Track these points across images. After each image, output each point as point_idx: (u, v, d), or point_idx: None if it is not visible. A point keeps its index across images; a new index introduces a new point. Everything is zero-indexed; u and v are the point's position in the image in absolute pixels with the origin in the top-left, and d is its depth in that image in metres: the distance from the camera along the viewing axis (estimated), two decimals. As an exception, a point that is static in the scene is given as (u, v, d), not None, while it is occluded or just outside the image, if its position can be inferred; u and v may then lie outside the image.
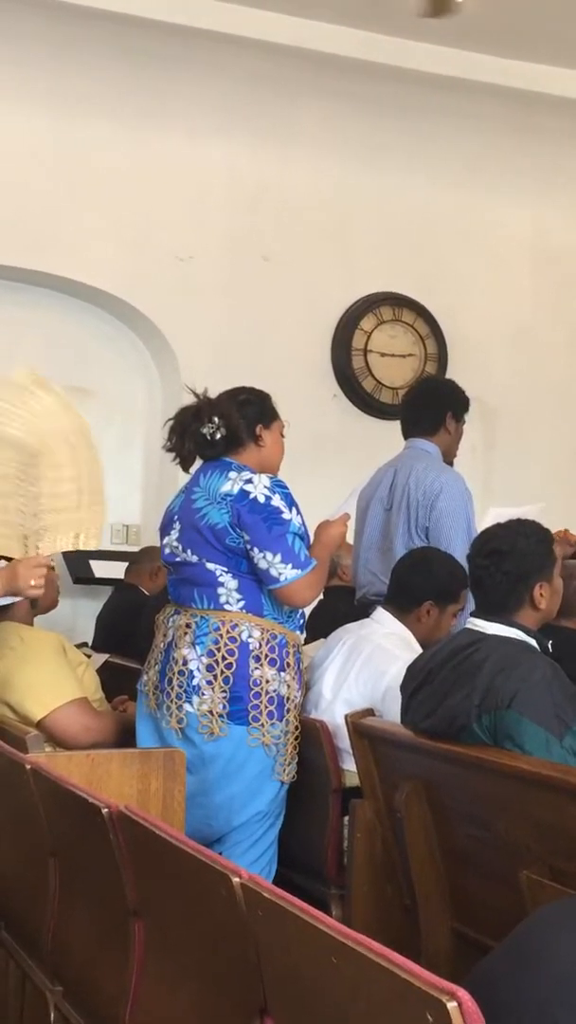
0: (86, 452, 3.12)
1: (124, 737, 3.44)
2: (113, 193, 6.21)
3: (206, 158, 6.36)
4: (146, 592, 5.46)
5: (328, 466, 5.94)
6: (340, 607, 4.54)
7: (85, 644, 5.20)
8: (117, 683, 3.92)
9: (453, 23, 5.94)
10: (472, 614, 2.94)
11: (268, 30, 6.03)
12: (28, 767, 2.58)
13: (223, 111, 6.33)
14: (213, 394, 3.43)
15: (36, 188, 6.05)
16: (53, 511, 3.04)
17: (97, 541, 3.10)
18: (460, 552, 3.76)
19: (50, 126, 6.04)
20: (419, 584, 3.60)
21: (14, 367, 3.17)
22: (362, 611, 3.88)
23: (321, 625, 4.33)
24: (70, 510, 3.06)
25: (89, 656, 4.03)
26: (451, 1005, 1.19)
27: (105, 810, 2.14)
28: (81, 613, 6.06)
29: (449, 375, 6.43)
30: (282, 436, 3.49)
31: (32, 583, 2.96)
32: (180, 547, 3.36)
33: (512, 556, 2.81)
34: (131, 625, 4.85)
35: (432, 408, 4.23)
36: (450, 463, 4.21)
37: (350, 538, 4.48)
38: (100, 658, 4.22)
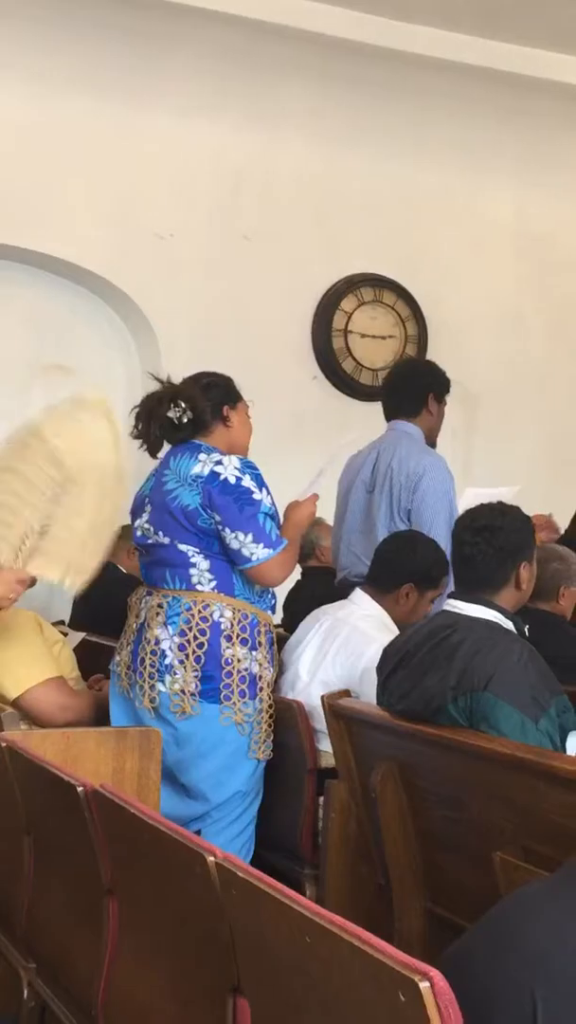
0: (112, 500, 3.11)
1: (100, 716, 3.44)
2: (95, 170, 6.16)
3: (189, 136, 6.32)
4: (124, 570, 5.45)
5: (307, 446, 5.90)
6: (319, 588, 4.54)
7: (62, 622, 5.19)
8: (94, 661, 3.92)
9: (442, 5, 5.93)
10: (450, 596, 2.95)
11: (255, 8, 5.99)
12: (3, 745, 2.58)
13: (207, 89, 6.29)
14: (191, 372, 3.45)
15: (17, 164, 6.00)
16: (57, 540, 3.03)
17: (81, 584, 3.10)
18: (442, 535, 3.76)
19: (32, 102, 5.99)
20: (402, 565, 3.60)
21: (95, 389, 3.13)
22: (342, 592, 3.88)
23: (300, 605, 4.34)
24: (72, 547, 3.06)
25: (66, 634, 4.02)
26: (423, 985, 1.20)
27: (80, 788, 2.14)
28: (58, 591, 6.01)
29: (429, 357, 6.41)
30: (248, 416, 3.50)
31: (11, 596, 2.99)
32: (152, 529, 3.37)
33: (503, 532, 2.83)
34: (108, 603, 4.84)
35: (414, 390, 4.21)
36: (433, 445, 4.20)
37: (329, 519, 4.49)
38: (77, 636, 4.20)
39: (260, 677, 3.30)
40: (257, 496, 3.26)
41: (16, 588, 2.99)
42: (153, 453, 3.45)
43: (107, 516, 3.07)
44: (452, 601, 2.89)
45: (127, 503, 3.24)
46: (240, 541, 3.24)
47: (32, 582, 3.07)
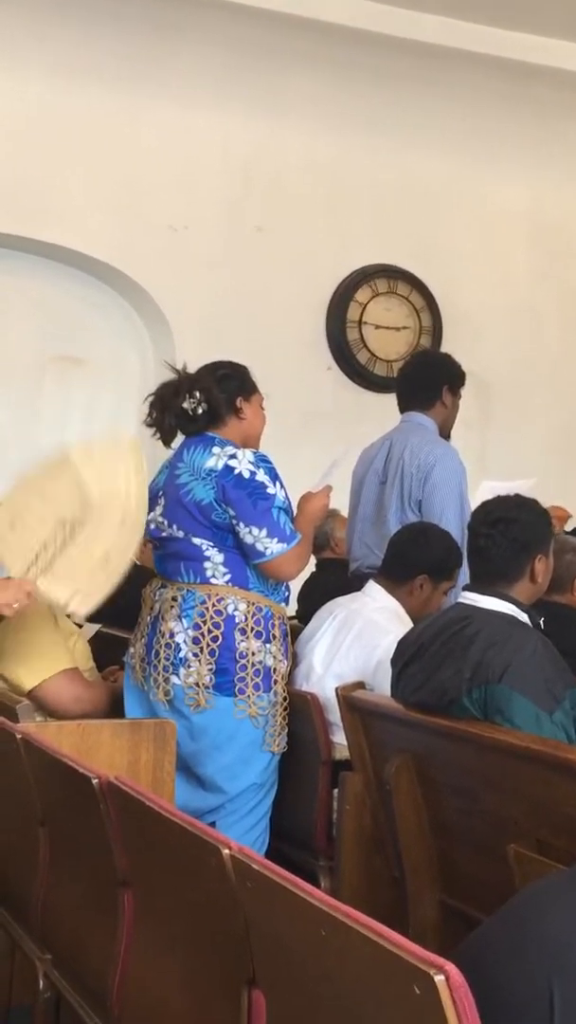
0: (129, 535, 3.18)
1: (115, 707, 3.45)
2: (106, 161, 6.17)
3: (200, 127, 6.32)
4: (138, 562, 5.45)
5: (321, 438, 5.93)
6: (333, 579, 4.53)
7: (76, 614, 5.18)
8: (109, 653, 3.92)
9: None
10: (465, 588, 2.94)
11: (264, -3, 5.98)
12: (19, 737, 2.59)
13: (217, 79, 6.28)
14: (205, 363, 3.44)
15: (29, 156, 6.01)
16: (71, 562, 3.10)
17: (87, 610, 3.17)
18: (452, 526, 3.76)
19: (43, 94, 6.00)
20: (416, 556, 3.59)
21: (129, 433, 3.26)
22: (356, 583, 3.88)
23: (315, 597, 4.33)
24: (83, 573, 3.12)
25: (80, 626, 4.03)
26: (439, 978, 1.20)
27: (95, 780, 2.15)
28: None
29: (444, 348, 6.42)
30: (262, 408, 3.49)
31: (13, 604, 3.01)
32: (166, 522, 3.37)
33: (518, 525, 2.82)
34: (122, 595, 4.84)
35: (428, 381, 4.21)
36: (446, 437, 4.19)
37: (344, 511, 4.48)
38: (91, 628, 4.21)
39: (274, 670, 3.30)
40: (271, 490, 3.26)
41: (21, 598, 3.02)
42: (167, 443, 3.44)
43: (123, 547, 3.12)
44: (467, 593, 2.89)
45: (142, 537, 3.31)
46: (254, 536, 3.24)
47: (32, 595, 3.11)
